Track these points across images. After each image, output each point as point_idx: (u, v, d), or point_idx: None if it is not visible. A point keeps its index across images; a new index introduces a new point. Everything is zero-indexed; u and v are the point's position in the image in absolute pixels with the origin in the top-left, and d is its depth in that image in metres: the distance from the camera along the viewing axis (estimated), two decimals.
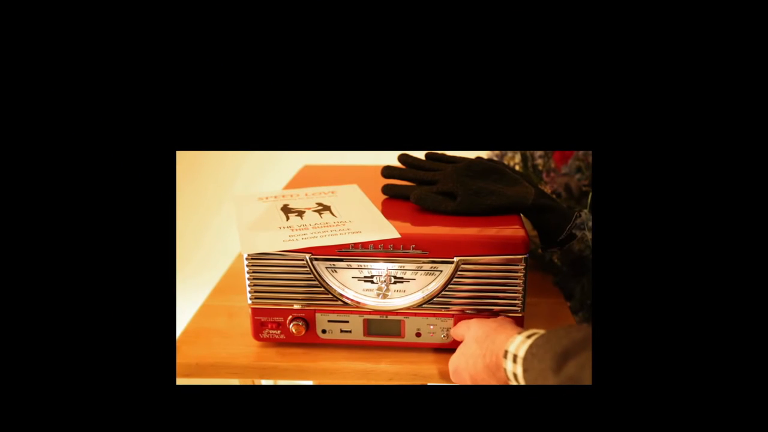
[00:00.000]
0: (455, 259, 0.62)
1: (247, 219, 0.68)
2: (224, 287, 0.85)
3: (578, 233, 0.72)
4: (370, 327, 0.66)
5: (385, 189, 0.75)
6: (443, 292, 0.63)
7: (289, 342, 0.67)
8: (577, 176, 0.90)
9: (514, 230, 0.63)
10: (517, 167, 0.99)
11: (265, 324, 0.67)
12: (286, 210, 0.70)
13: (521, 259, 0.62)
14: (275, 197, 0.74)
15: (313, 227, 0.65)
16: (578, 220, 0.72)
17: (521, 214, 0.69)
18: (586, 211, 0.74)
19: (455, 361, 0.60)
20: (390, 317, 0.65)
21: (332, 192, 0.76)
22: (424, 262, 0.63)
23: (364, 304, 0.64)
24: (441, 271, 0.63)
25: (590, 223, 0.72)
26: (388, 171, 0.76)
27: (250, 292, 0.65)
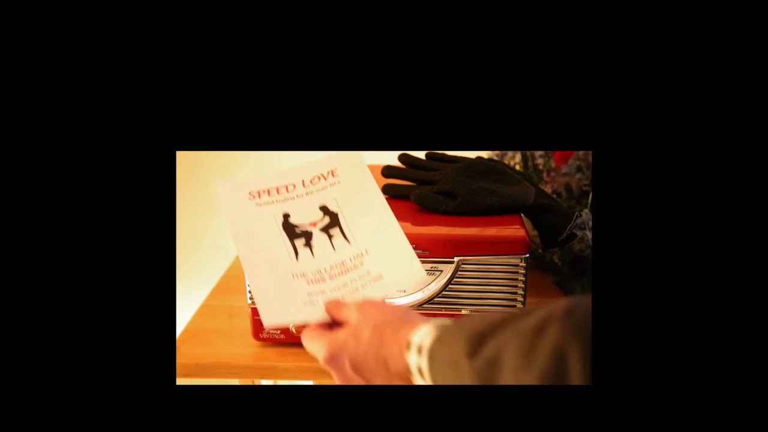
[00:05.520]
0: (456, 259, 0.62)
1: (246, 244, 0.57)
2: (224, 287, 0.85)
3: (578, 233, 0.72)
4: None
5: (385, 189, 0.74)
6: (444, 292, 0.63)
7: (289, 342, 0.67)
8: (577, 176, 0.90)
9: (514, 230, 0.63)
10: (517, 167, 0.99)
11: None
12: (289, 229, 0.59)
13: (521, 259, 0.62)
14: (268, 194, 0.63)
15: (329, 277, 0.56)
16: (578, 220, 0.72)
17: (522, 214, 0.69)
18: (586, 211, 0.74)
19: (335, 342, 0.49)
20: None
21: (334, 177, 0.63)
22: (424, 262, 0.63)
23: None
24: (441, 271, 0.63)
25: (590, 223, 0.72)
26: (388, 171, 0.76)
27: (250, 292, 0.65)
